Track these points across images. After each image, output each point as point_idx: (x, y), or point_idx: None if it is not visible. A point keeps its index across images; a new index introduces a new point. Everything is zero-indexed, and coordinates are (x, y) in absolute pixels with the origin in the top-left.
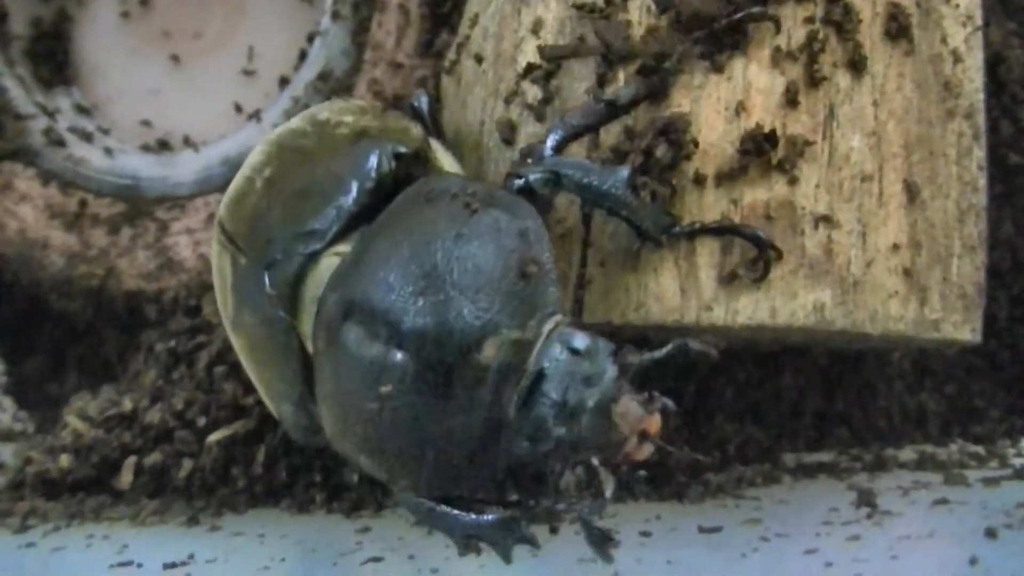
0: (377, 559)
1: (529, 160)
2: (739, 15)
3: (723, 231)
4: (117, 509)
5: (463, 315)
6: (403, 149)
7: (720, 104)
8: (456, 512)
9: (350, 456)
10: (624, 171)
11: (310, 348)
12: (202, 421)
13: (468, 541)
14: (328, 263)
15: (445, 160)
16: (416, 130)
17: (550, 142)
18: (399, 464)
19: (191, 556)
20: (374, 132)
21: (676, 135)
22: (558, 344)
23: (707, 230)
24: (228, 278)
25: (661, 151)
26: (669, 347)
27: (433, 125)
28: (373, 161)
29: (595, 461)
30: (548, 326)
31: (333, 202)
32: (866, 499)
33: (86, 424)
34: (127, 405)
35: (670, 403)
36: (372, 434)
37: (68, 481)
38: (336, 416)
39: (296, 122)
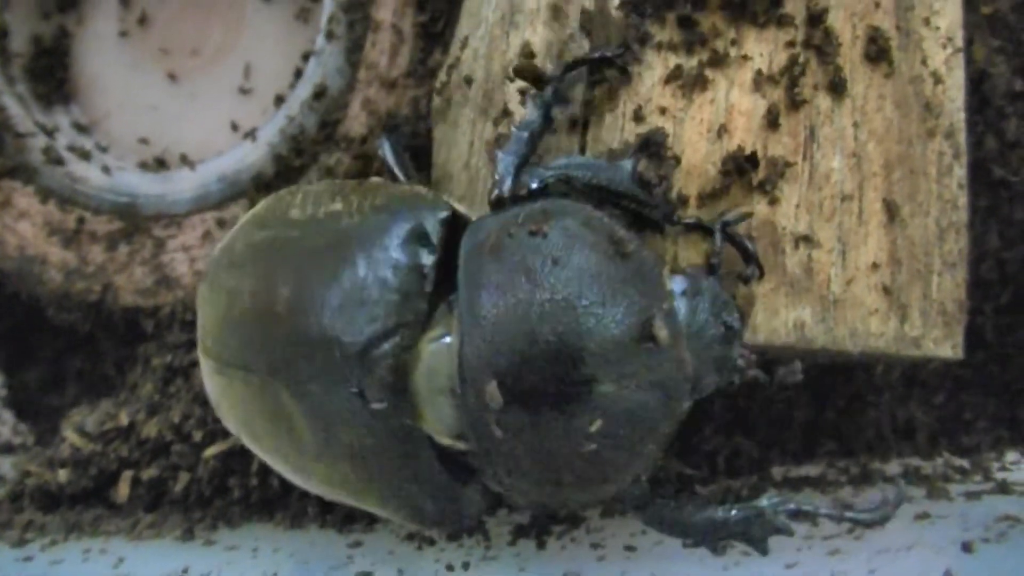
0: (367, 573)
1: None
2: None
3: (718, 231)
4: (114, 522)
5: (624, 315)
6: (443, 213)
7: (703, 126)
8: (703, 518)
9: (560, 503)
10: (627, 164)
11: (440, 439)
12: (198, 435)
13: (720, 544)
14: (431, 350)
15: (452, 202)
16: (424, 189)
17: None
18: (626, 480)
19: (185, 570)
20: (395, 205)
21: (656, 148)
22: (687, 297)
23: (704, 227)
24: (294, 416)
25: (643, 166)
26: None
27: (400, 165)
28: (433, 231)
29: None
30: (671, 285)
31: (406, 289)
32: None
33: (84, 438)
34: (124, 419)
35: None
36: (593, 470)
37: (66, 494)
38: (544, 478)
39: (263, 234)
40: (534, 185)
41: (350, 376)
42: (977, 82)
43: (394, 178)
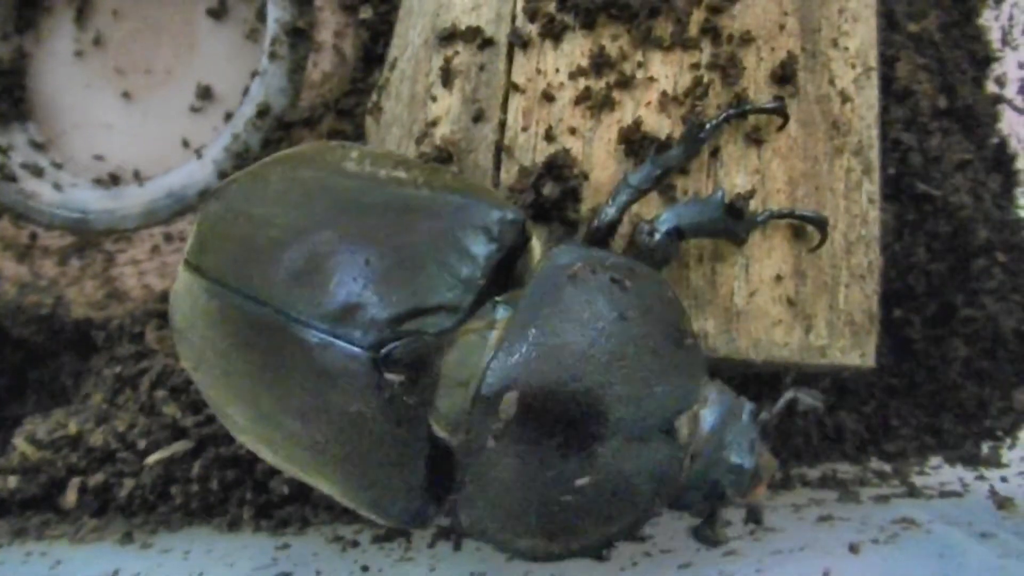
0: (286, 574)
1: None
2: None
3: (787, 216)
4: (60, 527)
5: (658, 397)
6: (513, 216)
7: (610, 145)
8: None
9: (504, 538)
10: (718, 195)
11: (438, 428)
12: (143, 443)
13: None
14: (466, 342)
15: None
16: (497, 191)
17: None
18: (580, 539)
19: (116, 571)
20: (469, 192)
21: (559, 171)
22: (721, 410)
23: (777, 215)
24: (286, 360)
25: (548, 189)
26: (785, 399)
27: None
28: (496, 228)
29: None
30: (708, 393)
31: (458, 274)
32: (754, 516)
33: (34, 447)
34: (73, 428)
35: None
36: (557, 523)
37: (16, 500)
38: (508, 509)
39: (310, 173)
40: (650, 239)
41: (374, 340)
42: (901, 99)
43: None
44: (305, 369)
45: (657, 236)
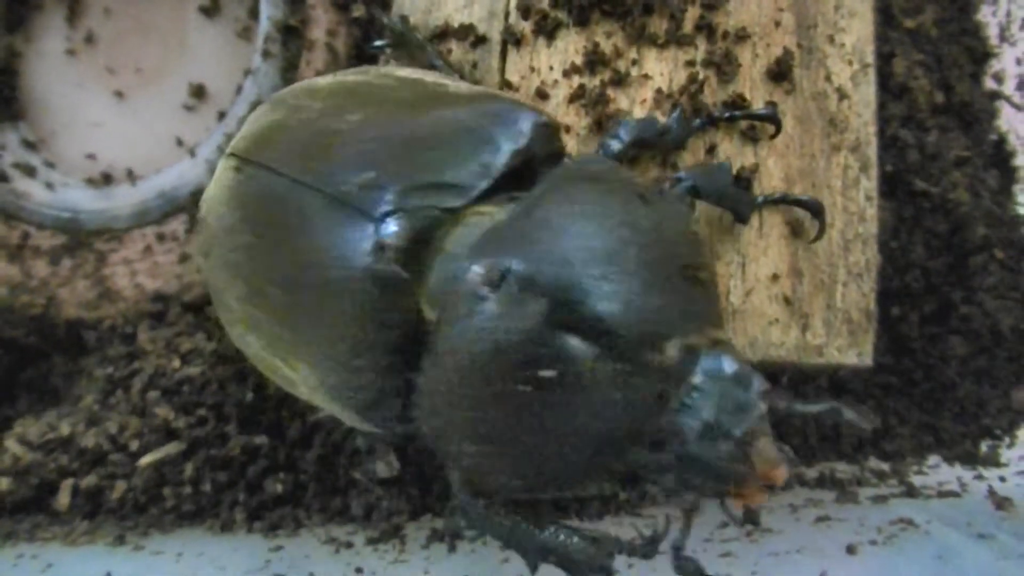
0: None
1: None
2: None
3: (781, 201)
4: (52, 529)
5: (650, 309)
6: (548, 120)
7: None
8: (535, 531)
9: (449, 438)
10: (726, 163)
11: (427, 312)
12: (135, 445)
13: (540, 561)
14: (473, 221)
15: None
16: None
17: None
18: (516, 454)
19: (108, 574)
20: (503, 95)
21: None
22: (722, 361)
23: (776, 200)
24: (296, 231)
25: None
26: (822, 406)
27: None
28: (527, 126)
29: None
30: (718, 344)
31: (477, 158)
32: (751, 517)
33: (25, 448)
34: (64, 430)
35: (798, 461)
36: (504, 419)
37: (8, 503)
38: (460, 394)
39: (357, 79)
40: (679, 190)
41: (380, 208)
42: (898, 95)
43: None
44: (306, 236)
45: (679, 188)
